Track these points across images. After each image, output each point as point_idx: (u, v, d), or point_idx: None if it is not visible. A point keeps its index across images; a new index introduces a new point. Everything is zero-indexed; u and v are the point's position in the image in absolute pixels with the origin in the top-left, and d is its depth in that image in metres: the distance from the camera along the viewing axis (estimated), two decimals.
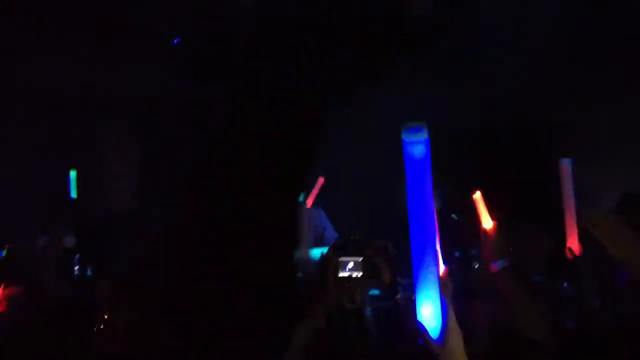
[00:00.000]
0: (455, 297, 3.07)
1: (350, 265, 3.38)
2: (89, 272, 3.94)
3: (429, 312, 2.48)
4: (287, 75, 6.35)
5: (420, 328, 2.47)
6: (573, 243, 3.79)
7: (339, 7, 5.99)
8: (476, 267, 3.88)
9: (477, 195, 3.62)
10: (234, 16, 6.11)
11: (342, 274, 3.33)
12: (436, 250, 2.61)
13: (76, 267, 4.01)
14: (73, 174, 5.31)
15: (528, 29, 5.84)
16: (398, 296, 3.25)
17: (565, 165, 3.88)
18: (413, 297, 2.85)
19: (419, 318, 2.48)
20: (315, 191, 5.46)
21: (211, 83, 6.38)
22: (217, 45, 6.26)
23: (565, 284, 4.00)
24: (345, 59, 6.21)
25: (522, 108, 6.26)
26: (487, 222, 3.56)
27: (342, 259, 3.37)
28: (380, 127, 6.48)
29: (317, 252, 4.63)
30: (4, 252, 3.83)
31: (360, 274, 3.34)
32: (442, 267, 3.66)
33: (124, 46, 5.87)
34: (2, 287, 3.56)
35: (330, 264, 3.29)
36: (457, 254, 4.26)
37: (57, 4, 5.66)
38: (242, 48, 6.24)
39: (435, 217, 2.74)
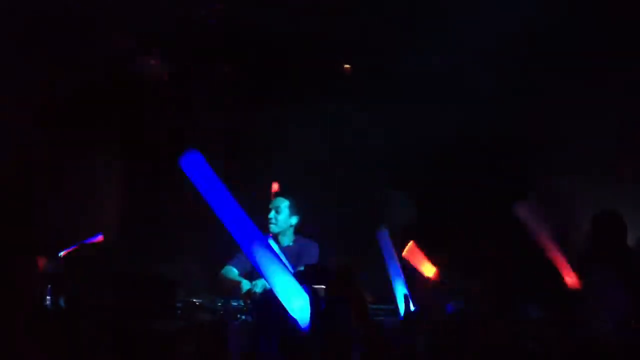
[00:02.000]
0: None
1: None
2: (61, 303, 3.93)
3: None
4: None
5: None
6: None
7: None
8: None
9: (410, 247, 3.77)
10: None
11: None
12: None
13: (48, 297, 4.00)
14: None
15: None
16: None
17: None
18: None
19: None
20: None
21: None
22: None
23: (532, 307, 4.08)
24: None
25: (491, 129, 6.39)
26: (428, 270, 3.71)
27: None
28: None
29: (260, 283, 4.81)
30: None
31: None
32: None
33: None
34: None
35: None
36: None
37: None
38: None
39: None
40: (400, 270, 4.26)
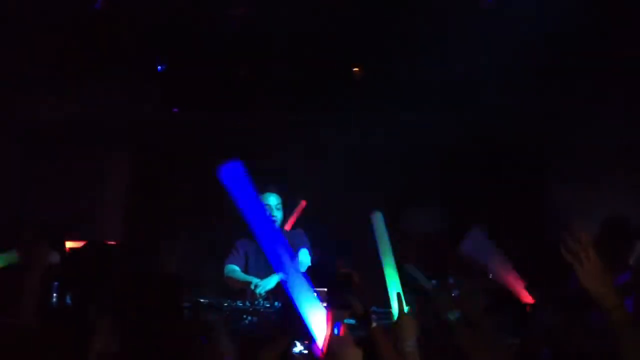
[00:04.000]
0: None
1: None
2: (68, 301, 3.92)
3: None
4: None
5: None
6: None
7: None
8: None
9: None
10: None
11: None
12: None
13: (54, 295, 3.99)
14: None
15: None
16: (374, 325, 3.28)
17: None
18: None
19: None
20: (296, 214, 5.48)
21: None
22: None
23: (549, 313, 4.01)
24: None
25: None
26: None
27: None
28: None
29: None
30: None
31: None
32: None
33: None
34: None
35: None
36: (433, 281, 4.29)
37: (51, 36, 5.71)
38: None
39: None
40: (394, 264, 3.84)
